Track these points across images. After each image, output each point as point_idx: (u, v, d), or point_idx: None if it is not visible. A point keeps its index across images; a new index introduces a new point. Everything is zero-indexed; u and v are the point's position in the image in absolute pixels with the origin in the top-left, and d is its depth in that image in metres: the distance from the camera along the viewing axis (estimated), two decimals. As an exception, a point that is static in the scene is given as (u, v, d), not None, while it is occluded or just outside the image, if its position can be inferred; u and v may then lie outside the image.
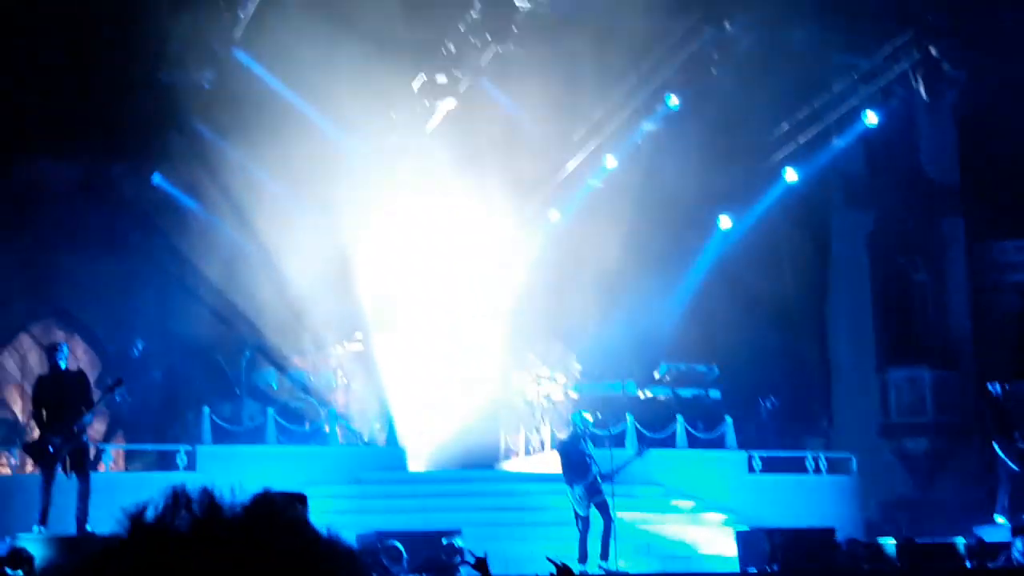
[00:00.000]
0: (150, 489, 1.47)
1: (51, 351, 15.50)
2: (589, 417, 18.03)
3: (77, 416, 14.66)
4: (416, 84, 21.39)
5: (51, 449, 14.48)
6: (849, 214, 25.06)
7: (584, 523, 17.23)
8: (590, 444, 17.56)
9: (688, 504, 20.42)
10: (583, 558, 17.01)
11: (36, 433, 15.26)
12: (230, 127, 20.49)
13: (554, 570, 11.08)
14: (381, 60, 19.42)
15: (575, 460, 17.27)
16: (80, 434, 14.81)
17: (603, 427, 21.28)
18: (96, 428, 19.90)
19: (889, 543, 18.32)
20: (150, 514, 1.37)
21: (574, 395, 22.44)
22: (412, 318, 23.24)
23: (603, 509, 17.11)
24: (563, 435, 18.88)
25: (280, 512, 1.39)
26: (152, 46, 18.57)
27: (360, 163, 21.36)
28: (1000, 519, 19.52)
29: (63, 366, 15.19)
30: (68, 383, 14.95)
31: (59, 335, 22.47)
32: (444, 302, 23.71)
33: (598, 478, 17.14)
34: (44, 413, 14.81)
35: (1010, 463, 18.62)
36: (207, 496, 1.38)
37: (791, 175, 23.35)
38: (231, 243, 21.92)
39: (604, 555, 17.11)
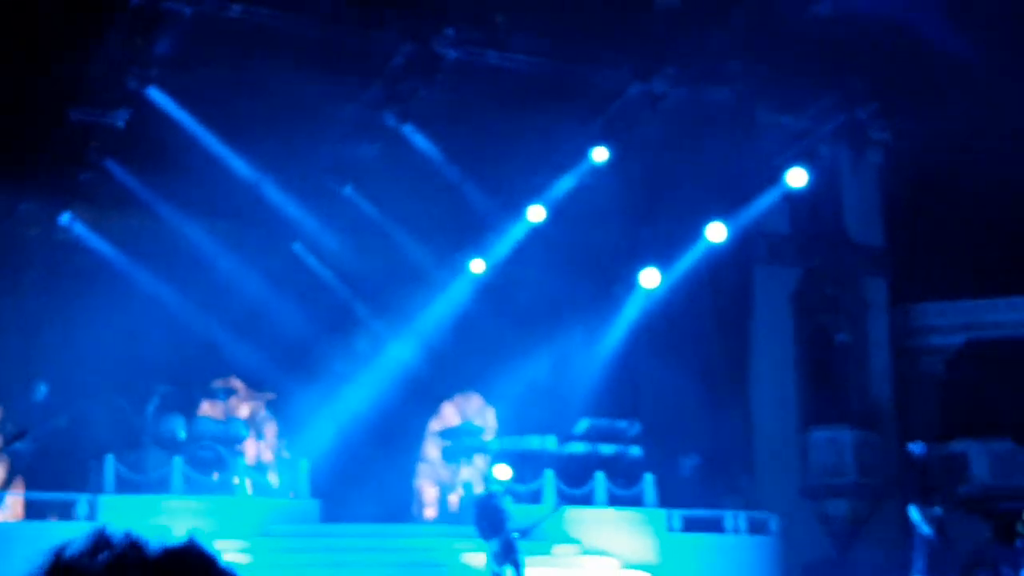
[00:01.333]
0: (48, 540, 1.43)
1: None
2: (505, 474, 17.65)
3: None
4: (341, 125, 21.04)
5: None
6: (773, 272, 25.00)
7: None
8: (507, 500, 17.19)
9: (607, 562, 20.03)
10: None
11: None
12: (144, 166, 20.03)
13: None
14: (302, 99, 19.10)
15: (490, 516, 16.90)
16: None
17: (521, 482, 20.92)
18: (-6, 475, 19.15)
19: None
20: (69, 552, 1.33)
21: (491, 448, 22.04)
22: (327, 367, 22.78)
23: (517, 567, 16.72)
24: (479, 490, 18.52)
25: (201, 556, 1.35)
26: (64, 84, 18.07)
27: (277, 206, 20.94)
28: (918, 583, 19.34)
29: None
30: None
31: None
32: (361, 351, 23.30)
33: (513, 535, 16.77)
34: None
35: (925, 528, 18.45)
36: (128, 537, 1.34)
37: (716, 232, 23.23)
38: (141, 285, 21.34)
39: None
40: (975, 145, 23.15)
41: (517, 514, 17.06)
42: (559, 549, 19.81)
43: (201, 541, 1.36)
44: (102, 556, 1.30)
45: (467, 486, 21.65)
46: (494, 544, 16.82)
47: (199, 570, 1.32)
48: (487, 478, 18.14)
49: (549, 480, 20.88)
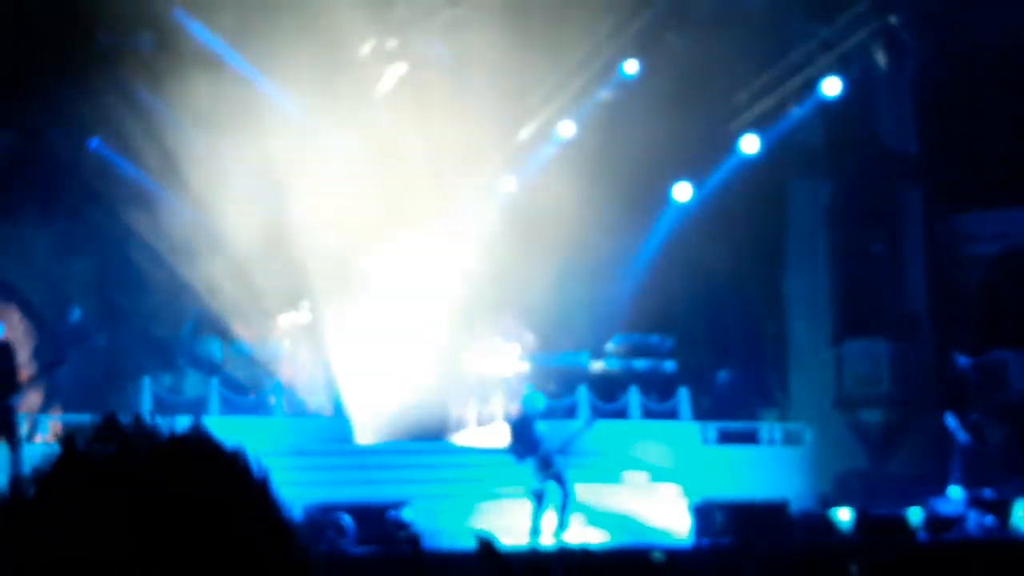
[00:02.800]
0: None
1: None
2: (540, 400, 17.74)
3: (8, 392, 14.44)
4: (366, 48, 20.91)
5: None
6: (806, 185, 24.77)
7: (539, 498, 16.96)
8: (541, 423, 17.30)
9: (642, 476, 20.12)
10: (535, 532, 16.74)
11: None
12: (171, 90, 19.98)
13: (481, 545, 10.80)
14: (328, 22, 18.97)
15: (525, 436, 17.02)
16: (11, 410, 14.57)
17: (556, 399, 21.02)
18: (32, 399, 19.40)
19: (843, 515, 18.15)
20: (80, 442, 1.34)
21: (525, 367, 22.07)
22: (360, 287, 22.82)
23: (560, 481, 16.85)
24: (515, 411, 18.60)
25: (207, 443, 1.37)
26: (89, 7, 18.01)
27: (307, 128, 20.88)
28: (954, 492, 19.36)
29: None
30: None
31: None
32: (393, 271, 23.30)
33: (550, 452, 16.88)
34: None
35: (962, 435, 18.43)
36: (137, 423, 1.36)
37: (749, 145, 22.99)
38: (172, 209, 21.41)
39: (562, 528, 16.84)
40: (1012, 50, 22.75)
41: (550, 432, 17.16)
42: (630, 476, 19.91)
43: (206, 428, 1.38)
44: (111, 445, 1.31)
45: (524, 403, 21.78)
46: (530, 462, 16.94)
47: (205, 455, 1.34)
48: (522, 400, 18.22)
49: (583, 396, 20.95)
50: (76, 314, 20.38)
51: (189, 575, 1.26)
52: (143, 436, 1.34)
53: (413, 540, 12.65)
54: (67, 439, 1.35)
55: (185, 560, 1.26)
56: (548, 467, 16.91)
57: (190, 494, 1.29)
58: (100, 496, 1.27)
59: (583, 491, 18.41)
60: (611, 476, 19.89)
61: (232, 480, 1.34)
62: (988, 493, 19.09)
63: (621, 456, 20.32)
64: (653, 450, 20.54)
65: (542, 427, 17.19)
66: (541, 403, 17.60)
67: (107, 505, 1.26)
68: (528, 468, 16.92)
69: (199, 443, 1.36)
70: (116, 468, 1.30)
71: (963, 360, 19.39)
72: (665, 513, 18.91)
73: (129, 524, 1.25)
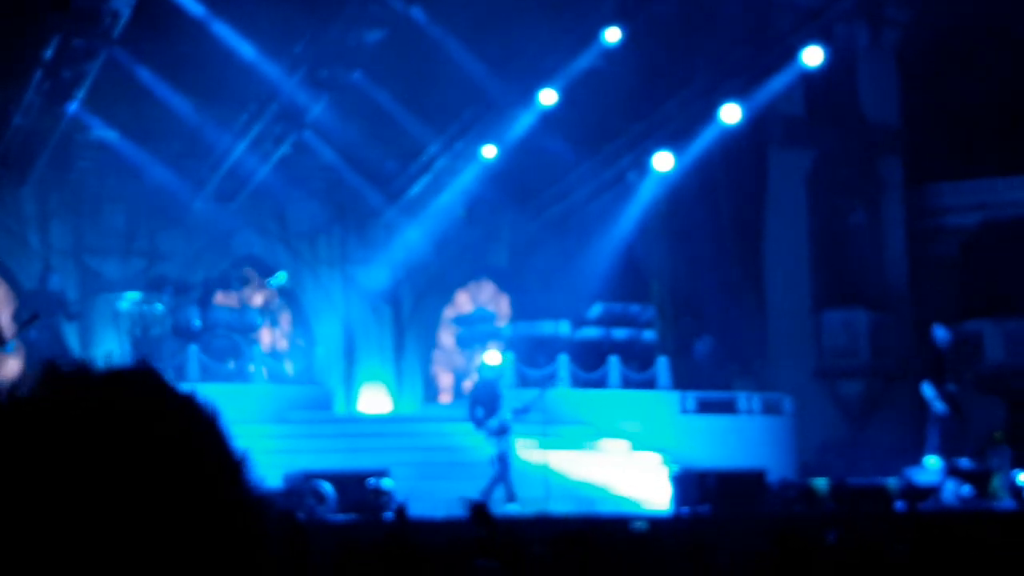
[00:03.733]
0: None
1: None
2: (496, 359, 17.79)
3: None
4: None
5: None
6: (787, 154, 24.78)
7: (498, 463, 17.12)
8: (500, 386, 17.41)
9: (621, 445, 20.17)
10: (486, 495, 16.79)
11: None
12: (151, 54, 19.81)
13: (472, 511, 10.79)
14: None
15: (484, 401, 17.12)
16: None
17: (536, 366, 21.03)
18: (11, 365, 19.28)
19: (821, 484, 18.25)
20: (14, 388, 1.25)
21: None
22: (340, 255, 22.77)
23: (507, 449, 16.98)
24: (474, 378, 18.68)
25: (151, 379, 1.26)
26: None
27: (287, 93, 20.74)
28: (931, 461, 19.50)
29: None
30: None
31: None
32: (373, 239, 23.25)
33: (505, 420, 17.01)
34: None
35: (938, 405, 18.56)
36: (76, 364, 1.27)
37: (730, 114, 22.95)
38: (152, 174, 21.26)
39: (509, 496, 16.97)
40: (992, 23, 22.77)
41: (511, 399, 17.28)
42: (609, 444, 19.94)
43: (152, 367, 1.28)
44: (46, 386, 1.25)
45: (481, 371, 21.76)
46: (491, 425, 17.08)
47: (148, 391, 1.25)
48: (480, 365, 18.24)
49: (563, 365, 20.97)
50: (54, 281, 20.23)
51: (125, 514, 1.21)
52: (83, 373, 1.25)
53: (400, 508, 12.63)
54: (10, 387, 1.27)
55: (122, 499, 1.21)
56: (503, 433, 17.04)
57: (127, 424, 1.22)
58: (35, 435, 1.21)
59: (562, 459, 18.48)
60: (590, 445, 19.93)
61: (176, 413, 1.25)
62: (965, 463, 19.23)
63: (601, 425, 20.36)
64: (632, 420, 20.58)
65: (502, 390, 17.33)
66: (495, 369, 17.69)
67: (42, 442, 1.20)
68: (488, 431, 17.07)
69: (140, 375, 1.27)
70: (51, 405, 1.23)
71: (940, 331, 19.47)
72: (645, 482, 18.97)
73: (65, 462, 1.20)
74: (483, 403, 17.10)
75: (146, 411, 1.23)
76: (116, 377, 1.26)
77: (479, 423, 17.05)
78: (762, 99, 23.53)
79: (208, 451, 1.25)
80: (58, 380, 1.25)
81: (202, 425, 1.26)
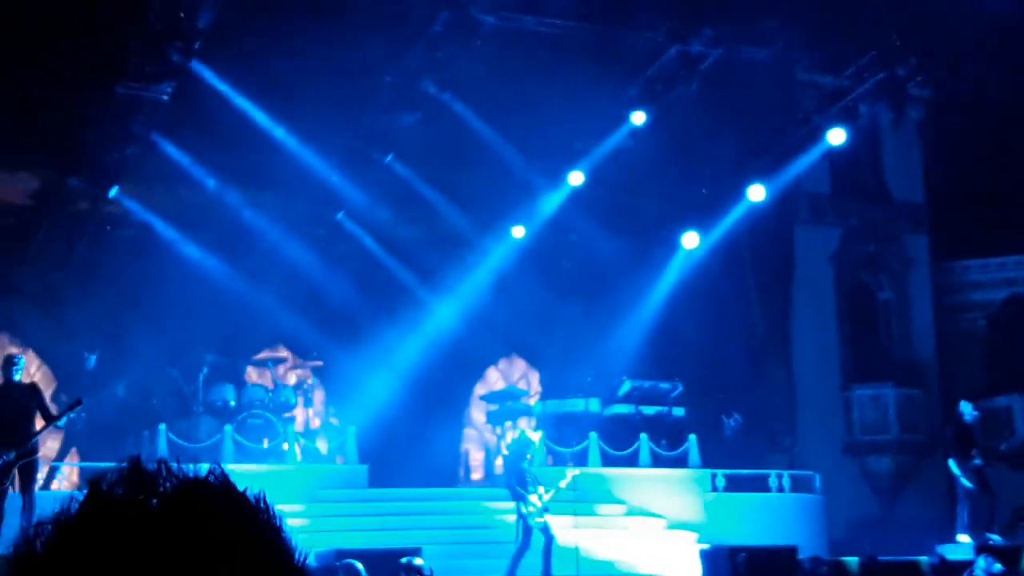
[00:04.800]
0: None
1: (6, 364, 15.10)
2: (534, 436, 17.89)
3: (30, 430, 14.35)
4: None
5: (1, 463, 14.15)
6: (814, 231, 25.02)
7: (523, 536, 17.12)
8: (534, 463, 17.48)
9: (652, 523, 20.23)
10: (511, 570, 16.82)
11: None
12: (190, 139, 20.25)
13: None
14: (343, 69, 19.24)
15: (520, 477, 17.17)
16: (32, 451, 14.50)
17: (566, 444, 21.17)
18: (49, 446, 19.55)
19: (852, 562, 18.22)
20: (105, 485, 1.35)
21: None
22: (373, 334, 23.04)
23: (544, 529, 16.98)
24: (506, 452, 18.74)
25: (230, 493, 1.38)
26: (109, 59, 18.29)
27: (321, 176, 21.15)
28: (962, 537, 19.46)
29: (17, 379, 14.86)
30: (21, 396, 14.62)
31: (13, 349, 22.14)
32: (406, 318, 23.52)
33: (538, 497, 17.07)
34: None
35: (964, 481, 18.59)
36: (161, 468, 1.38)
37: (756, 193, 23.24)
38: (189, 256, 21.65)
39: (546, 573, 16.98)
40: (1014, 100, 23.03)
41: (542, 475, 17.38)
42: (604, 509, 20.02)
43: (223, 471, 1.38)
44: (135, 487, 1.33)
45: (511, 448, 21.89)
46: (519, 503, 17.14)
47: (224, 497, 1.35)
48: (516, 441, 18.29)
49: (594, 442, 21.10)
50: (91, 361, 20.55)
51: None
52: (165, 478, 1.36)
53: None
54: (93, 481, 1.37)
55: None
56: (541, 510, 17.11)
57: (210, 534, 1.32)
58: (123, 536, 1.29)
59: (592, 537, 18.53)
60: (621, 523, 20.00)
61: (248, 521, 1.36)
62: (996, 539, 19.18)
63: (632, 503, 20.44)
64: (663, 497, 20.65)
65: (535, 469, 17.37)
66: (530, 444, 17.77)
67: (130, 545, 1.28)
68: (519, 510, 17.13)
69: (218, 485, 1.38)
70: (139, 509, 1.32)
71: (966, 407, 19.52)
72: (676, 560, 19.00)
73: (151, 564, 1.28)
74: (519, 479, 17.19)
75: (222, 520, 1.33)
76: (196, 486, 1.37)
77: (519, 497, 17.12)
78: (787, 177, 23.83)
79: (275, 553, 1.36)
80: (144, 482, 1.35)
81: (270, 530, 1.37)
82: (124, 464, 1.37)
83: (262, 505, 1.40)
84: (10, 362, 15.05)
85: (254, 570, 1.35)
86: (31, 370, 21.12)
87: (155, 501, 1.34)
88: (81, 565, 1.30)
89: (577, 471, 18.18)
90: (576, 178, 23.10)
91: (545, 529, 16.94)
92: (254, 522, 1.38)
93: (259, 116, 19.97)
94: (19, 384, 14.92)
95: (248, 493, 1.40)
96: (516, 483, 17.13)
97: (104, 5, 17.49)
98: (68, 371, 21.01)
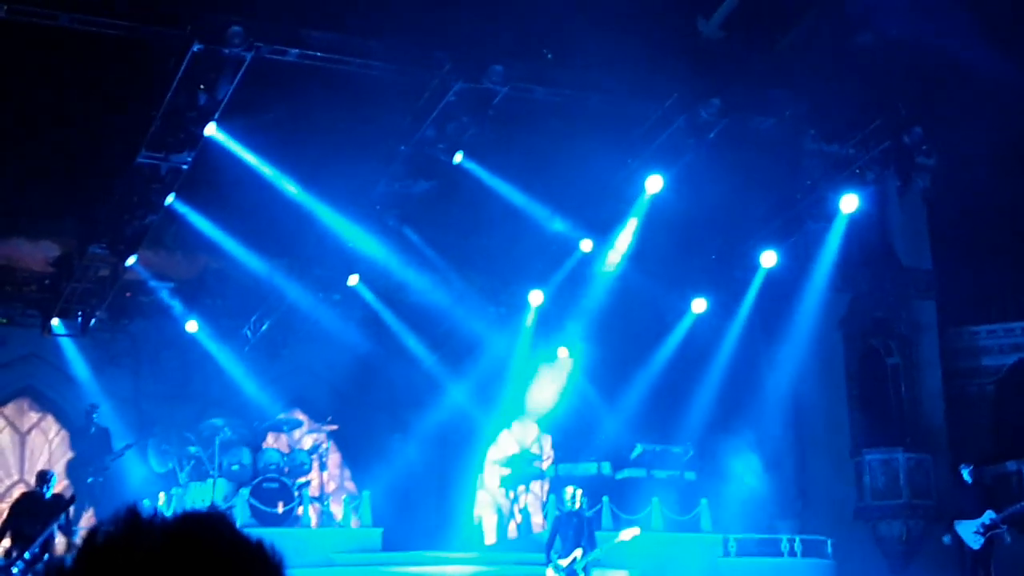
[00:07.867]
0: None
1: (40, 479, 16.07)
2: (576, 492, 17.88)
3: (48, 540, 14.89)
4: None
5: (14, 571, 14.66)
6: (823, 296, 25.21)
7: None
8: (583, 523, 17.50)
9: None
10: None
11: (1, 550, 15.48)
12: (208, 207, 20.57)
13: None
14: (359, 138, 19.57)
15: (565, 536, 17.16)
16: (43, 553, 14.96)
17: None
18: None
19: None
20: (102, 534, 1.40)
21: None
22: (388, 398, 23.21)
23: None
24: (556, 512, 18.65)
25: (222, 530, 1.41)
26: (130, 130, 18.66)
27: (338, 242, 21.43)
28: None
29: (48, 495, 15.43)
30: (45, 510, 15.15)
31: (32, 416, 22.43)
32: (420, 382, 23.71)
33: (574, 562, 17.02)
34: (11, 533, 15.07)
35: (971, 543, 18.70)
36: (155, 512, 1.41)
37: (768, 259, 23.44)
38: (204, 322, 21.91)
39: None
40: (1018, 166, 23.32)
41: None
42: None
43: (221, 513, 1.40)
44: (129, 531, 1.36)
45: (525, 513, 21.99)
46: (559, 570, 17.08)
47: (218, 536, 1.36)
48: (565, 500, 18.11)
49: (606, 506, 21.18)
50: (99, 422, 20.75)
51: None
52: (158, 520, 1.38)
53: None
54: (90, 531, 1.40)
55: None
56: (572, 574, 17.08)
57: (201, 569, 1.33)
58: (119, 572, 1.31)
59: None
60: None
61: (245, 560, 1.38)
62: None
63: (644, 568, 20.49)
64: (676, 562, 20.70)
65: (584, 529, 17.33)
66: (574, 507, 17.75)
67: None
68: (579, 564, 17.05)
69: (213, 524, 1.39)
70: (132, 550, 1.34)
71: (968, 471, 19.65)
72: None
73: None
74: (570, 537, 17.16)
75: (219, 557, 1.35)
76: (192, 523, 1.40)
77: (551, 562, 17.16)
78: (797, 244, 24.04)
79: None
80: (137, 525, 1.38)
81: (271, 570, 1.40)
82: (121, 512, 1.41)
83: (260, 546, 1.43)
84: (44, 478, 15.72)
85: None
86: (50, 435, 21.37)
87: (152, 542, 1.36)
88: None
89: (637, 530, 18.15)
90: (587, 245, 23.26)
91: None
92: (253, 560, 1.41)
93: (277, 184, 20.27)
94: (48, 499, 15.53)
95: (244, 533, 1.43)
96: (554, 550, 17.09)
97: (125, 79, 17.89)
98: (88, 437, 21.18)
